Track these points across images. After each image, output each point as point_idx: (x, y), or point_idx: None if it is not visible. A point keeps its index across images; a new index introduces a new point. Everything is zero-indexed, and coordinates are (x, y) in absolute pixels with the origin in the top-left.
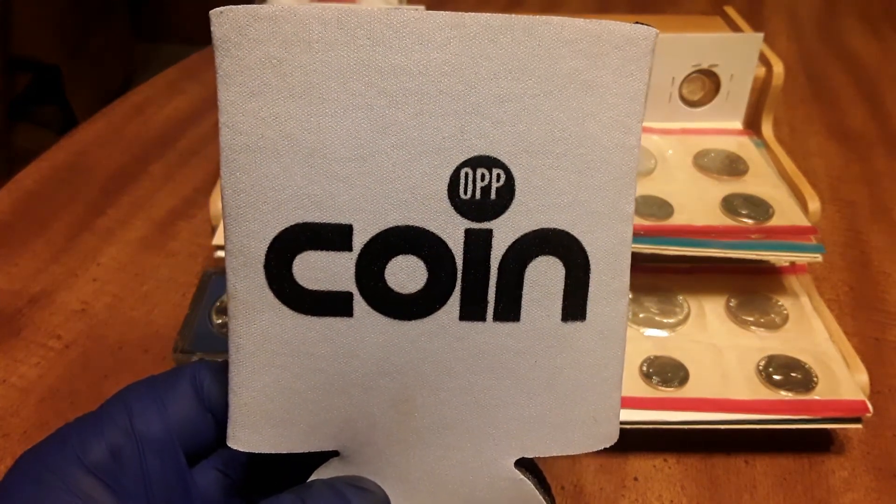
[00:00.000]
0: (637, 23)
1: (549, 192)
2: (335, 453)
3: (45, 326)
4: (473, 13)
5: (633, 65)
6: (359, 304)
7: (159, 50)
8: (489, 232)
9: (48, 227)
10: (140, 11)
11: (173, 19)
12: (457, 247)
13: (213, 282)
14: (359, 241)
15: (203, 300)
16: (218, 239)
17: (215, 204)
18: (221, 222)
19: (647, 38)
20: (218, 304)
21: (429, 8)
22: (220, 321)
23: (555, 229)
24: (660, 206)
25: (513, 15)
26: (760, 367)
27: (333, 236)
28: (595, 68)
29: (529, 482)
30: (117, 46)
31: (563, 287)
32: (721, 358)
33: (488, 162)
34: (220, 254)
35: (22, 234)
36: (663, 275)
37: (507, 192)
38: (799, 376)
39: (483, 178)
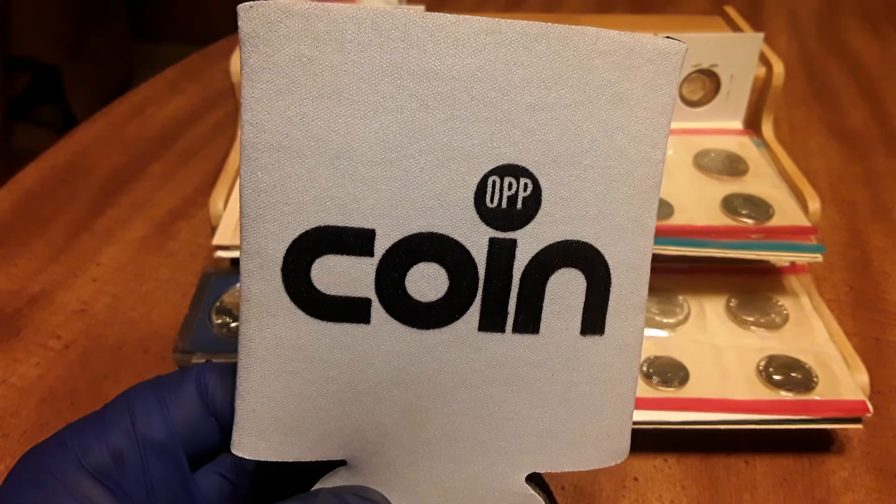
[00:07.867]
0: (667, 37)
1: (574, 203)
2: (342, 462)
3: (44, 326)
4: (509, 20)
5: (664, 79)
6: (377, 311)
7: (159, 50)
8: (513, 242)
9: (48, 227)
10: (140, 11)
11: (173, 19)
12: (480, 256)
13: (212, 282)
14: (381, 246)
15: (203, 300)
16: (218, 239)
17: (215, 204)
18: (221, 222)
19: (677, 53)
20: (218, 304)
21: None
22: (219, 321)
23: (578, 241)
24: (660, 206)
25: (549, 23)
26: (760, 367)
27: (355, 241)
28: (627, 81)
29: (539, 498)
30: (117, 46)
31: (583, 300)
32: (721, 358)
33: (516, 171)
34: (220, 254)
35: (22, 234)
36: (663, 275)
37: (534, 202)
38: (799, 376)
39: (510, 187)
